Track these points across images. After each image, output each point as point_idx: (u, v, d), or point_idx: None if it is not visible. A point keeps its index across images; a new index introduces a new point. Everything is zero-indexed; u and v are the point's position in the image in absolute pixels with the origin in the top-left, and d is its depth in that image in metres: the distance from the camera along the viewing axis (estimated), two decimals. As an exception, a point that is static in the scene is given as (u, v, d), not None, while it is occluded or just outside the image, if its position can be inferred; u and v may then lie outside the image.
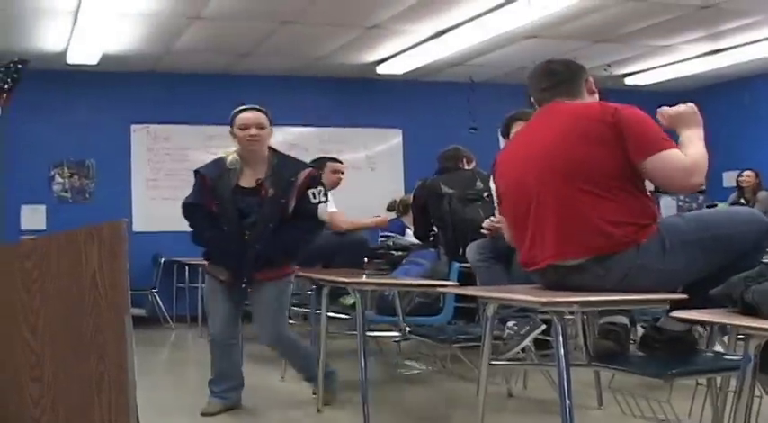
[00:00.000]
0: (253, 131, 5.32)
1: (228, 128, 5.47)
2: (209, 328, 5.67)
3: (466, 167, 7.04)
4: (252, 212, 5.31)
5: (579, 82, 3.92)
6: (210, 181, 5.35)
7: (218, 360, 5.60)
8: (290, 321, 6.01)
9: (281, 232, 5.31)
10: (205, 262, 5.66)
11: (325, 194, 5.52)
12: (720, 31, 10.17)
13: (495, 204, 5.52)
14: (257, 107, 5.47)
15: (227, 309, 5.49)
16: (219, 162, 5.44)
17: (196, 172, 5.49)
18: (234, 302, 5.53)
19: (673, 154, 3.57)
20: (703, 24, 9.82)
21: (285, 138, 11.70)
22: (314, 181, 5.43)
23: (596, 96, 3.95)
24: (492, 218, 5.43)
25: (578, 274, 3.55)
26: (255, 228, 5.29)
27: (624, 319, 3.87)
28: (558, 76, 3.92)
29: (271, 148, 5.50)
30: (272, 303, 5.44)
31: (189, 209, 5.47)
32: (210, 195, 5.35)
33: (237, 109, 5.44)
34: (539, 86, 3.97)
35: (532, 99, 4.03)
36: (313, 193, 5.37)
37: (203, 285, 5.92)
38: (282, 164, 5.42)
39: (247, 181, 5.37)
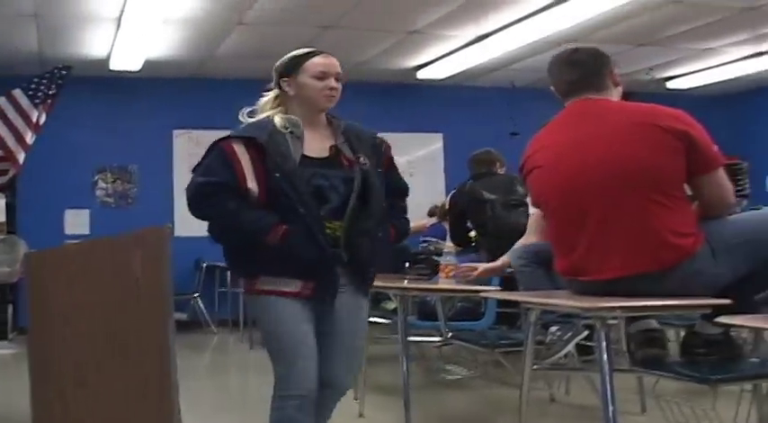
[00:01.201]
0: (333, 83, 3.67)
1: (280, 78, 3.76)
2: (285, 382, 3.55)
3: (499, 171, 7.02)
4: (334, 191, 3.59)
5: (605, 73, 3.81)
6: (263, 146, 3.54)
7: None
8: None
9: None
10: (248, 278, 3.68)
11: None
12: (764, 34, 10.07)
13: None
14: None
15: (312, 339, 3.59)
16: (263, 124, 3.66)
17: (221, 140, 3.67)
18: (313, 326, 3.62)
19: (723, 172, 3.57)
20: (747, 27, 9.72)
21: (326, 142, 11.73)
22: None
23: (620, 89, 3.85)
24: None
25: (637, 285, 3.48)
26: (369, 210, 3.61)
27: (656, 323, 3.85)
28: (584, 68, 3.79)
29: None
30: (364, 330, 3.89)
31: (208, 189, 3.58)
32: (259, 168, 3.54)
33: (302, 51, 3.75)
34: (563, 78, 3.84)
35: (553, 89, 3.90)
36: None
37: (244, 291, 3.90)
38: (352, 126, 3.80)
39: (314, 150, 3.64)
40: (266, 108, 3.78)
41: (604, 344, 3.27)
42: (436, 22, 9.19)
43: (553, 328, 4.76)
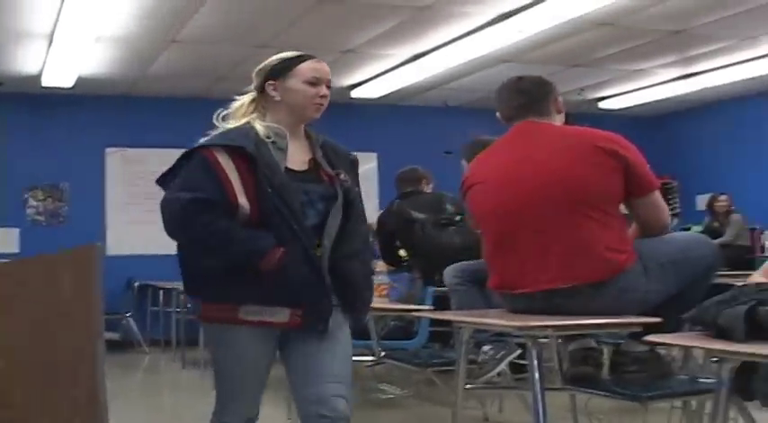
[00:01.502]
0: (325, 90, 3.36)
1: (266, 80, 3.37)
2: (226, 409, 3.34)
3: (426, 189, 7.02)
4: (312, 208, 3.25)
5: (549, 100, 3.91)
6: (251, 156, 3.15)
7: None
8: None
9: None
10: (219, 306, 3.25)
11: None
12: (692, 56, 10.26)
13: None
14: None
15: (263, 378, 3.37)
16: (244, 131, 3.26)
17: (200, 148, 3.21)
18: (268, 366, 3.37)
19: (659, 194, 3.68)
20: (675, 49, 9.90)
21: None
22: None
23: (563, 116, 3.96)
24: None
25: (570, 299, 3.53)
26: (351, 230, 3.33)
27: (594, 343, 3.89)
28: (530, 95, 3.89)
29: None
30: (349, 348, 3.42)
31: (197, 206, 3.11)
32: (248, 182, 3.15)
33: (293, 54, 3.40)
34: (509, 104, 3.94)
35: (499, 114, 3.99)
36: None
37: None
38: (329, 141, 3.49)
39: (295, 162, 3.31)
40: (239, 113, 3.40)
41: (536, 362, 3.29)
42: (370, 41, 9.22)
43: (486, 347, 4.78)
